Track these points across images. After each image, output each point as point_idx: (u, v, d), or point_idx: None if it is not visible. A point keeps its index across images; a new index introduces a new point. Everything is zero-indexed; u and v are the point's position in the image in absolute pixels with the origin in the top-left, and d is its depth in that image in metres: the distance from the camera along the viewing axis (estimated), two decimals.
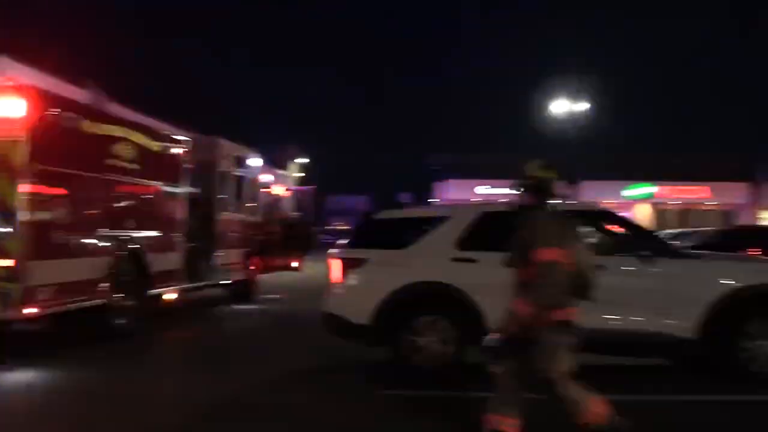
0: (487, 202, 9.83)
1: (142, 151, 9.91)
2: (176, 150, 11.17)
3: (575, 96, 28.57)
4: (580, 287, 4.50)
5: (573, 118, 29.09)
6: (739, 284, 6.82)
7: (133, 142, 9.68)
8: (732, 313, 6.77)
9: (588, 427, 4.41)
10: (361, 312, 7.13)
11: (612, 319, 6.84)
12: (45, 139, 7.76)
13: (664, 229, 28.40)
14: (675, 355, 7.40)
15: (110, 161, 9.19)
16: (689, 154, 43.19)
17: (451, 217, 7.35)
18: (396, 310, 7.04)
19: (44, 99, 8.02)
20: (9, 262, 7.50)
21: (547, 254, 4.31)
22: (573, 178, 38.86)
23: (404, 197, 69.86)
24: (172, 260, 11.14)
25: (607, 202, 39.58)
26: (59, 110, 8.15)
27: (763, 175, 39.15)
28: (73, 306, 8.46)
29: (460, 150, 39.15)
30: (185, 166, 11.47)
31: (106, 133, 9.09)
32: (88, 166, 8.70)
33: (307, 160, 48.08)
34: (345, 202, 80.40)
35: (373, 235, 7.51)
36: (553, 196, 4.63)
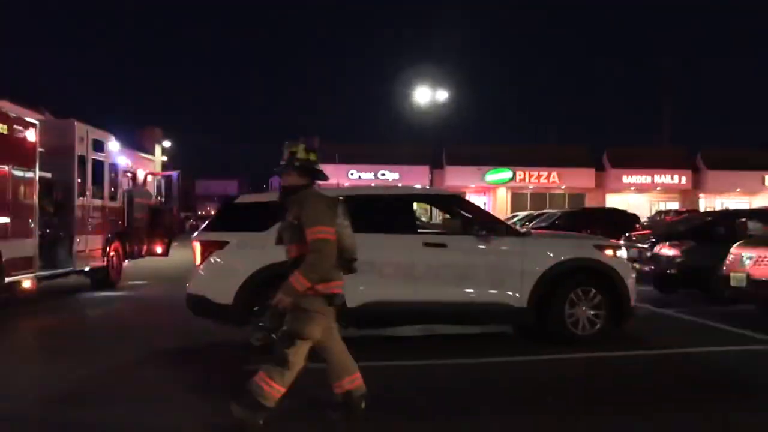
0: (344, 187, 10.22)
1: None
2: (26, 133, 10.75)
3: (437, 85, 29.75)
4: (347, 261, 4.89)
5: (435, 107, 30.28)
6: (561, 258, 7.74)
7: None
8: (557, 284, 7.67)
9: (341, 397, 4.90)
10: (223, 292, 7.38)
11: (455, 291, 7.53)
12: None
13: (520, 212, 30.47)
14: (511, 322, 8.22)
15: None
16: (543, 144, 46.29)
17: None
18: (256, 290, 7.34)
19: None
20: None
21: (319, 232, 4.57)
22: (438, 163, 40.57)
23: (275, 182, 69.52)
24: (26, 247, 10.77)
25: (471, 186, 41.91)
26: None
27: (608, 162, 42.74)
28: None
29: (331, 138, 39.57)
30: (37, 149, 11.07)
31: None
32: None
33: (169, 144, 46.62)
34: (215, 187, 78.76)
35: (234, 219, 7.74)
36: (318, 177, 4.91)
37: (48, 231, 12.02)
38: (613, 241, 8.48)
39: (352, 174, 40.12)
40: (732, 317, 9.51)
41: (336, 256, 4.70)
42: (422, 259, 7.55)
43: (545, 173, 41.82)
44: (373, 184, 34.86)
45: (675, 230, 12.71)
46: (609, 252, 8.03)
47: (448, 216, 8.75)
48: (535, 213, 22.92)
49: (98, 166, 13.51)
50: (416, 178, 39.46)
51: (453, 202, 8.35)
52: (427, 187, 35.33)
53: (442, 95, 30.54)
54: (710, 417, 5.29)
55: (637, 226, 20.42)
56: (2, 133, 10.06)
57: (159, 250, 15.86)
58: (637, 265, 12.29)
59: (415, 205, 8.44)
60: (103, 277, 13.79)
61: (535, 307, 7.67)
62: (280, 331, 4.68)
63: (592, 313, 7.81)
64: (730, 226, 11.48)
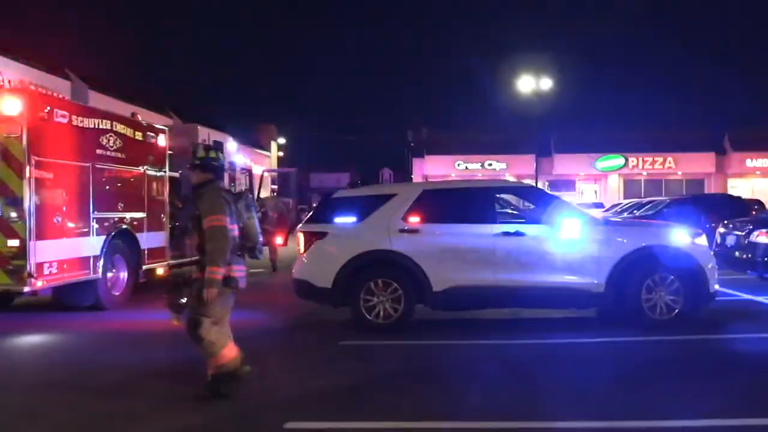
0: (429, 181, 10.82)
1: (126, 140, 11.00)
2: (157, 138, 12.22)
3: (540, 73, 29.68)
4: (250, 249, 5.55)
5: (539, 95, 30.21)
6: (637, 245, 8.09)
7: (118, 133, 10.75)
8: (632, 270, 8.04)
9: (213, 376, 5.41)
10: (323, 277, 8.35)
11: (533, 277, 8.09)
12: (41, 134, 8.84)
13: (632, 199, 29.84)
14: (591, 306, 8.63)
15: (100, 151, 10.27)
16: (657, 127, 44.55)
17: (398, 194, 8.56)
18: (353, 275, 8.26)
19: (38, 98, 9.10)
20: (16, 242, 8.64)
21: (213, 220, 5.20)
22: (548, 151, 40.18)
23: (386, 173, 70.90)
24: (159, 238, 12.27)
25: (581, 174, 41.22)
26: (51, 108, 9.20)
27: (729, 146, 40.62)
28: (74, 279, 9.63)
29: (438, 126, 40.20)
30: (167, 152, 12.54)
31: (95, 127, 10.16)
32: (81, 156, 9.78)
33: (284, 140, 48.98)
34: (328, 180, 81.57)
35: (332, 212, 8.67)
36: (221, 173, 5.60)
37: (177, 224, 13.52)
38: (692, 228, 8.67)
39: (459, 165, 40.56)
40: None
41: (239, 244, 5.38)
42: (500, 247, 8.16)
43: (660, 159, 40.43)
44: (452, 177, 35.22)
45: None
46: (686, 239, 8.28)
47: (530, 205, 9.27)
48: (644, 201, 22.51)
49: None
50: (523, 167, 39.40)
51: (523, 193, 8.88)
52: (509, 179, 35.11)
53: (546, 83, 30.31)
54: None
55: (754, 212, 19.70)
56: (138, 140, 11.56)
57: (279, 240, 17.18)
58: (737, 253, 12.22)
59: (500, 196, 8.97)
60: None
61: (613, 291, 8.08)
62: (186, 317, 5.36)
63: (670, 298, 8.12)
64: None
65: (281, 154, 53.20)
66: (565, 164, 40.88)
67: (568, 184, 41.57)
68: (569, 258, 8.15)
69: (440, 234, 8.31)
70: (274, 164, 38.22)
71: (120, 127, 10.87)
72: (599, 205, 30.39)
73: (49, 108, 9.09)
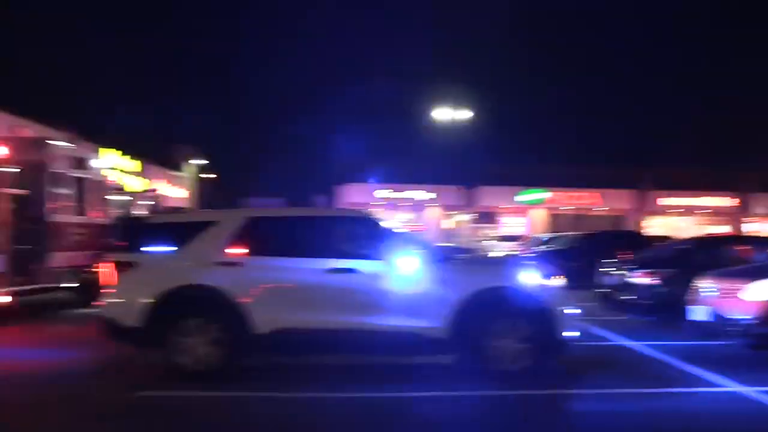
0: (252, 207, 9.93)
1: None
2: None
3: (457, 104, 29.41)
4: None
5: (455, 126, 29.92)
6: (479, 286, 7.29)
7: None
8: (476, 312, 7.21)
9: None
10: (131, 315, 7.26)
11: (365, 319, 7.19)
12: None
13: (556, 233, 29.53)
14: (429, 353, 7.70)
15: None
16: (582, 164, 45.08)
17: (219, 221, 7.57)
18: (163, 313, 7.20)
19: None
20: None
21: None
22: (469, 183, 39.97)
23: (319, 200, 69.93)
24: None
25: (502, 206, 41.17)
26: None
27: (648, 184, 41.29)
28: None
29: (359, 154, 39.55)
30: (7, 168, 11.28)
31: None
32: None
33: (205, 162, 47.45)
34: (261, 204, 79.99)
35: (144, 239, 7.62)
36: None
37: (22, 247, 12.19)
38: (544, 267, 7.91)
39: (379, 193, 39.88)
40: (704, 354, 8.67)
41: None
42: (331, 285, 7.25)
43: (586, 194, 40.75)
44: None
45: (657, 256, 12.01)
46: (536, 279, 7.54)
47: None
48: (546, 236, 22.15)
49: (80, 183, 13.70)
50: (451, 198, 39.06)
51: (358, 224, 8.03)
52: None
53: (463, 114, 30.03)
54: None
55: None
56: None
57: None
58: (617, 293, 11.70)
59: (335, 227, 8.04)
60: (91, 293, 13.89)
61: (456, 337, 7.25)
62: None
63: (518, 346, 7.31)
64: (713, 253, 10.75)
65: (214, 176, 51.67)
66: (490, 196, 40.71)
67: (493, 216, 41.47)
68: (407, 299, 7.29)
69: (264, 268, 7.34)
70: (191, 187, 36.90)
71: None
72: (513, 239, 30.09)
73: None
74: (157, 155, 35.47)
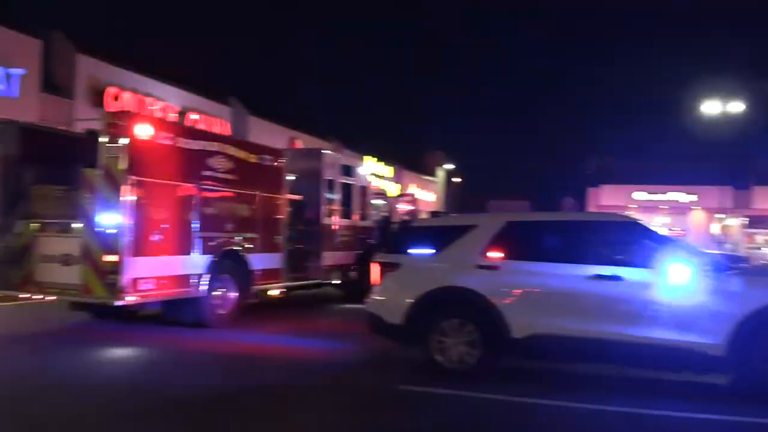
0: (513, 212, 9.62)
1: (238, 162, 11.18)
2: (274, 160, 12.33)
3: (729, 96, 26.46)
4: None
5: (725, 120, 26.94)
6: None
7: (228, 155, 10.96)
8: (764, 331, 6.44)
9: None
10: (394, 312, 7.70)
11: (633, 331, 6.79)
12: (141, 155, 9.17)
13: None
14: (708, 370, 7.04)
15: (207, 173, 10.50)
16: None
17: (478, 225, 7.68)
18: (424, 312, 7.52)
19: (142, 122, 9.47)
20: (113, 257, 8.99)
21: None
22: (740, 183, 35.85)
23: (567, 202, 67.83)
24: (274, 260, 12.31)
25: None
26: (156, 131, 9.53)
27: None
28: (172, 296, 9.88)
29: (615, 154, 37.59)
30: (286, 176, 12.61)
31: (202, 149, 10.42)
32: (185, 177, 10.05)
33: (453, 166, 48.67)
34: (506, 207, 79.76)
35: (408, 242, 8.01)
36: None
37: (297, 246, 13.54)
38: None
39: (636, 195, 37.53)
40: None
41: None
42: (593, 292, 6.96)
43: None
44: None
45: None
46: None
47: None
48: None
49: (348, 189, 14.87)
50: (715, 200, 35.47)
51: (624, 229, 7.52)
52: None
53: (736, 106, 26.97)
54: None
55: None
56: (251, 162, 11.72)
57: None
58: None
59: (598, 232, 7.68)
60: (353, 290, 15.03)
61: (736, 356, 6.54)
62: None
63: None
64: None
65: (459, 180, 53.02)
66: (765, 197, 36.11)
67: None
68: (678, 311, 6.74)
69: (523, 273, 7.30)
70: (440, 190, 38.21)
71: (231, 150, 11.08)
72: None
73: (150, 130, 9.42)
74: (410, 161, 37.27)
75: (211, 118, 22.29)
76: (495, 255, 7.41)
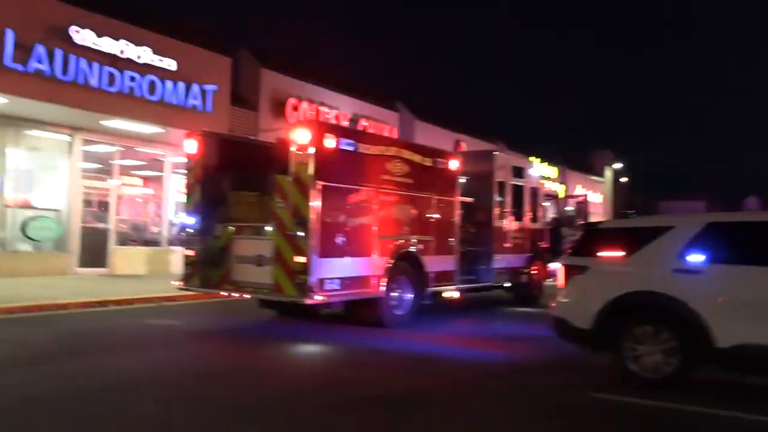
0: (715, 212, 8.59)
1: (413, 166, 11.40)
2: (447, 164, 12.43)
3: None
4: None
5: None
6: None
7: (405, 159, 11.21)
8: None
9: None
10: (582, 316, 7.45)
11: None
12: (327, 162, 9.61)
13: None
14: None
15: (385, 177, 10.81)
16: None
17: (675, 226, 7.22)
18: (615, 317, 7.21)
19: (325, 130, 9.93)
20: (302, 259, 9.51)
21: None
22: None
23: (751, 202, 62.20)
24: (448, 262, 12.42)
25: None
26: (339, 138, 9.96)
27: None
28: (355, 296, 10.27)
29: None
30: (458, 179, 12.66)
31: (380, 154, 10.75)
32: (365, 182, 10.42)
33: (620, 165, 46.25)
34: (678, 207, 74.57)
35: (596, 244, 7.71)
36: None
37: (469, 249, 13.57)
38: None
39: None
40: None
41: None
42: None
43: None
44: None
45: None
46: None
47: None
48: None
49: (519, 190, 14.66)
50: None
51: None
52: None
53: None
54: None
55: None
56: (426, 165, 11.90)
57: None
58: None
59: None
60: (525, 294, 14.82)
61: None
62: None
63: None
64: None
65: (625, 179, 50.49)
66: None
67: None
68: None
69: (727, 278, 6.75)
70: (607, 190, 36.43)
71: (407, 154, 11.33)
72: None
73: (335, 138, 9.86)
74: (575, 160, 36.03)
75: (380, 124, 22.96)
76: (695, 258, 6.93)
